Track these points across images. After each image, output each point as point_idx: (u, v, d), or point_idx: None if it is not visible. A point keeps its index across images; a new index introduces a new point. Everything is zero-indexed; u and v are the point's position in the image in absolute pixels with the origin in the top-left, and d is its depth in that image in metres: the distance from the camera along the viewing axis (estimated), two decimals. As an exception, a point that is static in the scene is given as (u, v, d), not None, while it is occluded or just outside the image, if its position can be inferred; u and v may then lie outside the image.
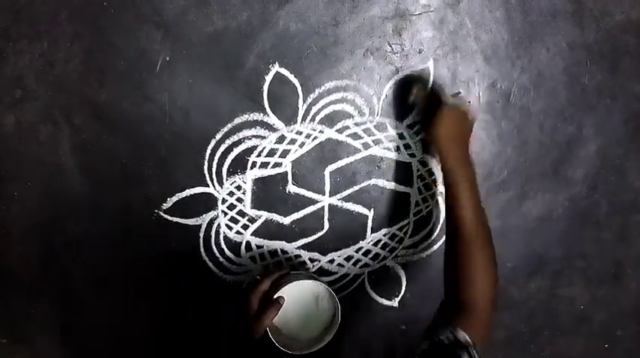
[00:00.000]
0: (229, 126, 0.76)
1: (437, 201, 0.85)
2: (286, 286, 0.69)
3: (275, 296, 0.67)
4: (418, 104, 0.77)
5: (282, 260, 0.85)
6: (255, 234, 0.83)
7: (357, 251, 0.86)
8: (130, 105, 0.74)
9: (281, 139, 0.77)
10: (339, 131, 0.78)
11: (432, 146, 0.72)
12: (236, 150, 0.77)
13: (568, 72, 0.79)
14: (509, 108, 0.80)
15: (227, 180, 0.79)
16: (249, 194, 0.80)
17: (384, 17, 0.74)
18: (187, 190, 0.79)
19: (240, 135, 0.77)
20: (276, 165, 0.79)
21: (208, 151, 0.77)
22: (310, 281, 0.71)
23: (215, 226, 0.82)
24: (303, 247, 0.84)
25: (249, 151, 0.78)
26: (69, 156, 0.76)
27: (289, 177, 0.80)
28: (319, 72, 0.75)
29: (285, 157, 0.79)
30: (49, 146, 0.75)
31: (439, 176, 0.82)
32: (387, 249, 0.86)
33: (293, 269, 0.85)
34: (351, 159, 0.80)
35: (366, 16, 0.73)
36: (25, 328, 0.88)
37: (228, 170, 0.78)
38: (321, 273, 0.87)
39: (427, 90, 0.77)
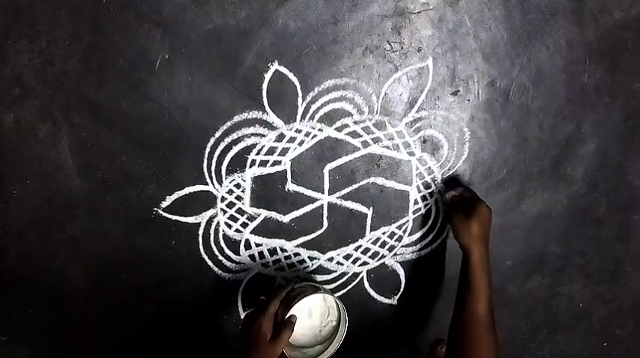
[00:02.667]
0: (228, 124, 0.76)
1: (436, 200, 0.85)
2: (296, 304, 0.70)
3: (287, 317, 0.69)
4: (449, 201, 0.81)
5: (282, 258, 0.85)
6: (254, 232, 0.83)
7: (356, 249, 0.86)
8: (129, 104, 0.74)
9: (280, 137, 0.78)
10: (339, 129, 0.78)
11: (461, 241, 0.75)
12: (235, 149, 0.77)
13: (567, 70, 0.79)
14: (509, 106, 0.80)
15: (226, 178, 0.79)
16: (248, 192, 0.80)
17: (383, 15, 0.74)
18: (186, 188, 0.79)
19: (240, 133, 0.77)
20: (276, 163, 0.79)
21: (207, 149, 0.77)
22: (318, 294, 0.73)
23: (214, 224, 0.82)
24: (303, 245, 0.85)
25: (249, 149, 0.78)
26: (68, 154, 0.76)
27: (288, 175, 0.80)
28: (318, 70, 0.75)
29: (284, 155, 0.79)
30: (48, 144, 0.75)
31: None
32: (386, 247, 0.86)
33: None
34: (350, 157, 0.80)
35: (365, 15, 0.73)
36: (25, 328, 0.88)
37: (227, 168, 0.78)
38: (319, 272, 0.87)
39: (462, 192, 0.81)
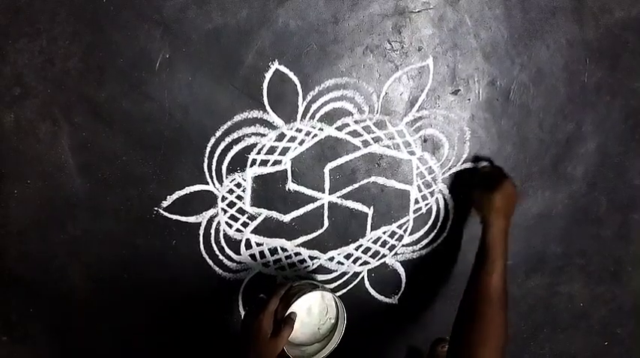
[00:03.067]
0: (229, 123, 0.76)
1: (436, 199, 0.85)
2: (295, 302, 0.70)
3: (287, 314, 0.69)
4: (482, 173, 0.82)
5: (282, 258, 0.85)
6: (255, 231, 0.83)
7: (356, 248, 0.86)
8: (129, 103, 0.74)
9: (281, 137, 0.77)
10: (339, 129, 0.78)
11: (483, 213, 0.75)
12: (236, 148, 0.77)
13: (568, 69, 0.79)
14: (509, 105, 0.80)
15: (227, 177, 0.79)
16: (248, 191, 0.80)
17: (383, 15, 0.74)
18: (187, 188, 0.79)
19: (240, 132, 0.77)
20: (276, 162, 0.79)
21: (208, 149, 0.77)
22: (316, 292, 0.73)
23: (215, 224, 0.82)
24: (303, 245, 0.84)
25: (249, 149, 0.78)
26: (68, 154, 0.76)
27: (289, 174, 0.80)
28: (319, 69, 0.75)
29: (284, 155, 0.79)
30: (49, 144, 0.75)
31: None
32: (387, 246, 0.86)
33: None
34: (350, 156, 0.80)
35: (365, 14, 0.73)
36: (25, 328, 0.87)
37: (227, 168, 0.78)
38: (320, 271, 0.87)
39: (491, 167, 0.82)
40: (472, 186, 0.81)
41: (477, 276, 0.71)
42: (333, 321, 0.78)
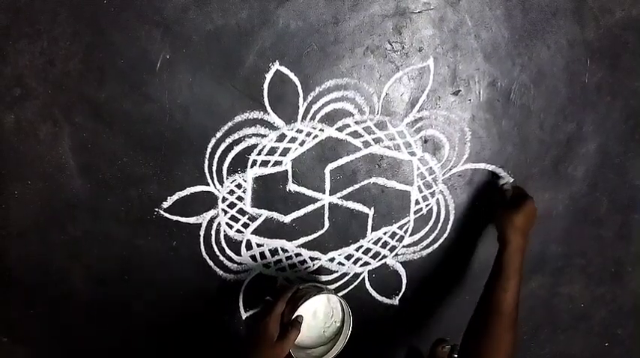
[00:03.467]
0: (229, 124, 0.76)
1: (437, 200, 0.85)
2: (302, 305, 0.70)
3: (293, 317, 0.69)
4: (503, 191, 0.83)
5: (283, 259, 0.85)
6: (255, 232, 0.83)
7: (357, 249, 0.86)
8: (130, 104, 0.74)
9: (281, 138, 0.77)
10: (340, 129, 0.78)
11: (502, 231, 0.76)
12: (236, 149, 0.77)
13: (568, 69, 0.79)
14: (510, 106, 0.80)
15: (227, 178, 0.79)
16: (249, 192, 0.80)
17: (384, 15, 0.74)
18: (188, 189, 0.79)
19: (241, 133, 0.76)
20: (277, 163, 0.79)
21: (209, 150, 0.77)
22: (322, 295, 0.73)
23: (215, 225, 0.82)
24: (304, 245, 0.84)
25: (250, 150, 0.78)
26: (69, 154, 0.76)
27: (289, 175, 0.80)
28: (319, 70, 0.75)
29: (285, 156, 0.79)
30: (49, 145, 0.75)
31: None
32: (388, 247, 0.86)
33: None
34: (351, 157, 0.80)
35: (366, 14, 0.73)
36: (25, 328, 0.87)
37: (228, 168, 0.78)
38: (321, 272, 0.87)
39: (513, 185, 0.83)
40: (494, 204, 0.83)
41: (491, 292, 0.72)
42: (338, 325, 0.78)
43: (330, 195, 0.82)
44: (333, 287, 0.88)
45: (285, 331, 0.68)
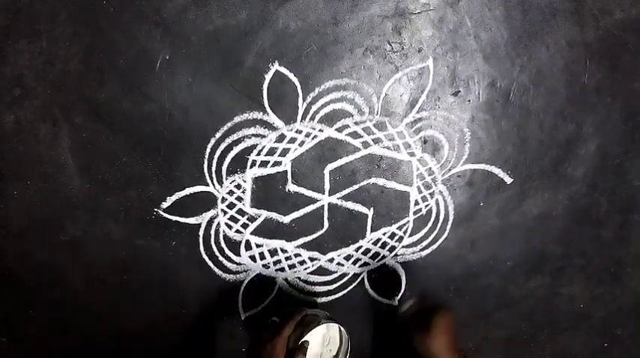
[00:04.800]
0: (229, 124, 0.76)
1: (436, 201, 0.85)
2: (311, 331, 0.70)
3: (300, 342, 0.69)
4: (407, 318, 0.78)
5: (282, 259, 0.85)
6: (254, 232, 0.83)
7: (356, 250, 0.86)
8: (129, 104, 0.74)
9: (281, 138, 0.77)
10: (339, 130, 0.78)
11: (424, 355, 0.70)
12: (236, 149, 0.77)
13: (568, 70, 0.79)
14: (509, 106, 0.80)
15: (227, 178, 0.79)
16: (248, 193, 0.80)
17: (383, 16, 0.74)
18: (187, 189, 0.79)
19: (240, 133, 0.77)
20: (276, 163, 0.79)
21: (208, 150, 0.77)
22: (328, 324, 0.73)
23: (215, 225, 0.82)
24: (303, 246, 0.84)
25: (249, 150, 0.78)
26: (68, 154, 0.76)
27: (289, 175, 0.80)
28: (319, 70, 0.75)
29: (284, 156, 0.79)
30: (49, 145, 0.75)
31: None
32: (387, 247, 0.86)
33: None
34: (350, 157, 0.80)
35: (365, 15, 0.73)
36: (25, 328, 0.87)
37: (227, 169, 0.78)
38: (320, 272, 0.87)
39: (415, 303, 0.80)
40: (407, 334, 0.75)
41: None
42: (333, 354, 0.77)
43: (329, 195, 0.82)
44: (332, 287, 0.88)
45: (291, 355, 0.67)
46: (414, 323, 0.74)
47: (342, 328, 0.75)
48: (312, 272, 0.87)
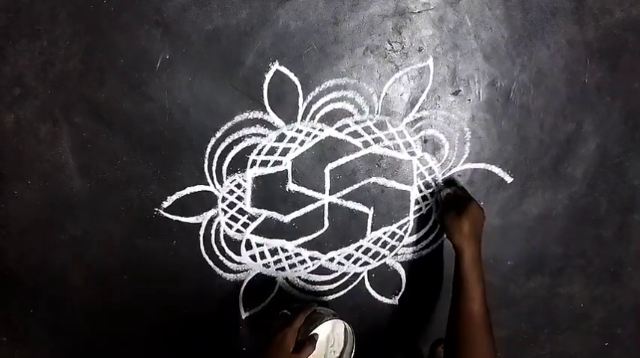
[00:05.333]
0: (229, 124, 0.76)
1: (436, 200, 0.85)
2: (320, 325, 0.72)
3: (311, 334, 0.71)
4: (448, 200, 0.81)
5: (283, 258, 0.85)
6: (255, 232, 0.83)
7: (357, 249, 0.86)
8: (129, 104, 0.74)
9: (281, 137, 0.77)
10: (339, 129, 0.78)
11: (455, 241, 0.75)
12: (236, 149, 0.77)
13: (568, 70, 0.79)
14: (509, 106, 0.80)
15: (227, 178, 0.79)
16: (249, 192, 0.80)
17: (383, 15, 0.74)
18: (187, 188, 0.79)
19: (240, 133, 0.77)
20: (276, 163, 0.79)
21: (208, 149, 0.77)
22: (335, 321, 0.75)
23: (215, 224, 0.82)
24: (303, 245, 0.84)
25: (249, 149, 0.78)
26: (69, 154, 0.76)
27: (289, 175, 0.80)
28: (319, 70, 0.75)
29: (285, 155, 0.79)
30: (49, 145, 0.75)
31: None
32: (387, 247, 0.86)
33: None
34: (351, 157, 0.80)
35: (365, 15, 0.74)
36: (25, 328, 0.87)
37: (228, 168, 0.78)
38: (320, 272, 0.87)
39: (456, 191, 0.82)
40: (440, 214, 0.82)
41: (457, 304, 0.72)
42: (337, 355, 0.78)
43: (329, 194, 0.82)
44: (332, 287, 0.88)
45: (301, 345, 0.69)
46: (451, 203, 0.79)
47: (347, 326, 0.75)
48: (312, 272, 0.87)
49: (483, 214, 0.77)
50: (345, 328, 0.76)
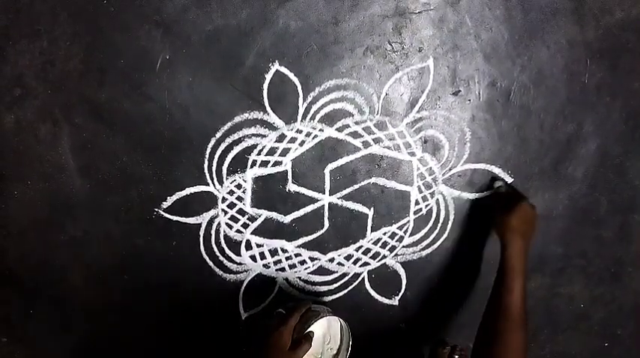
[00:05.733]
0: (229, 124, 0.76)
1: (437, 200, 0.85)
2: (315, 323, 0.72)
3: (307, 332, 0.71)
4: (499, 194, 0.83)
5: (283, 259, 0.85)
6: (255, 232, 0.83)
7: (357, 249, 0.86)
8: (130, 104, 0.74)
9: (281, 138, 0.77)
10: (339, 129, 0.78)
11: (500, 234, 0.77)
12: (236, 149, 0.77)
13: (568, 70, 0.79)
14: (510, 106, 0.80)
15: (227, 178, 0.79)
16: (249, 192, 0.80)
17: (384, 15, 0.74)
18: (187, 189, 0.79)
19: (240, 133, 0.77)
20: (277, 163, 0.79)
21: (208, 150, 0.77)
22: (330, 318, 0.75)
23: (215, 225, 0.82)
24: (303, 246, 0.84)
25: (250, 150, 0.78)
26: (69, 154, 0.76)
27: (289, 175, 0.80)
28: (319, 70, 0.75)
29: (285, 156, 0.79)
30: (49, 145, 0.75)
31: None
32: (387, 247, 0.86)
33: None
34: (351, 157, 0.80)
35: (366, 15, 0.73)
36: (25, 328, 0.87)
37: (228, 168, 0.78)
38: (320, 272, 0.87)
39: (507, 188, 0.83)
40: (490, 208, 0.83)
41: (497, 295, 0.73)
42: (333, 352, 0.78)
43: (329, 195, 0.82)
44: (332, 287, 0.88)
45: (297, 343, 0.69)
46: (499, 202, 0.80)
47: (342, 322, 0.75)
48: (312, 272, 0.87)
49: (535, 213, 0.78)
50: (341, 324, 0.76)
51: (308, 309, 0.76)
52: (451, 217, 0.86)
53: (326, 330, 0.78)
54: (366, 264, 0.87)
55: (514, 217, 0.76)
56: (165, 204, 0.79)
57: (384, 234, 0.85)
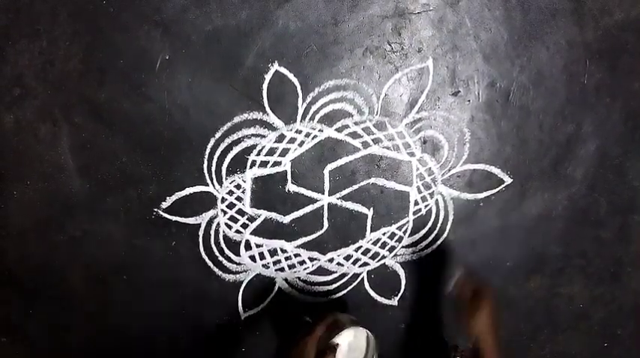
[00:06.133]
0: (229, 125, 0.76)
1: (436, 201, 0.85)
2: (341, 333, 0.71)
3: (332, 343, 0.70)
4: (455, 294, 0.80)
5: (282, 259, 0.85)
6: (254, 232, 0.83)
7: (356, 250, 0.86)
8: (129, 104, 0.74)
9: (280, 138, 0.78)
10: (339, 130, 0.78)
11: (472, 337, 0.73)
12: (235, 149, 0.77)
13: (567, 70, 0.79)
14: (509, 107, 0.80)
15: (226, 179, 0.79)
16: (248, 193, 0.80)
17: (383, 16, 0.74)
18: (187, 189, 0.79)
19: (240, 134, 0.77)
20: (276, 164, 0.79)
21: (208, 150, 0.77)
22: (357, 328, 0.74)
23: (214, 225, 0.82)
24: (303, 246, 0.84)
25: (249, 150, 0.78)
26: (68, 154, 0.76)
27: (289, 176, 0.80)
28: (319, 71, 0.75)
29: (284, 156, 0.79)
30: (49, 145, 0.75)
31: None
32: (387, 247, 0.86)
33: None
34: (350, 158, 0.80)
35: (365, 15, 0.74)
36: (25, 328, 0.88)
37: (227, 169, 0.78)
38: (320, 272, 0.87)
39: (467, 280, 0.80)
40: (456, 312, 0.79)
41: None
42: (364, 353, 0.77)
43: (329, 195, 0.82)
44: (332, 287, 0.88)
45: (322, 354, 0.69)
46: (460, 307, 0.77)
47: (369, 334, 0.75)
48: (311, 273, 0.87)
49: (490, 297, 0.75)
50: (367, 335, 0.75)
51: (334, 320, 0.75)
52: (450, 217, 0.86)
53: (351, 340, 0.77)
54: (365, 264, 0.87)
55: (482, 319, 0.72)
56: (164, 205, 0.79)
57: (384, 234, 0.85)
